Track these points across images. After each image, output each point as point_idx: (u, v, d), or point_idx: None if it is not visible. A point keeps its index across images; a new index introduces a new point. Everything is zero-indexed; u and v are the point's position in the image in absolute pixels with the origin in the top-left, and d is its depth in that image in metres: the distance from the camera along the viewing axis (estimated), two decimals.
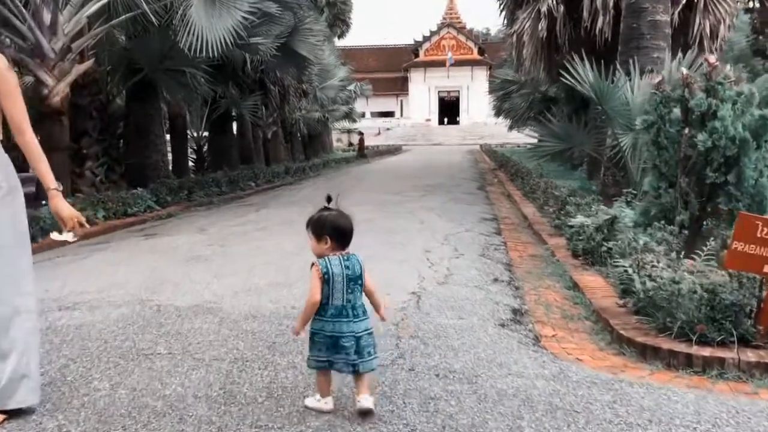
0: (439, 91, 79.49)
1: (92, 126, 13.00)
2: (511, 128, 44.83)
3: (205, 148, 20.59)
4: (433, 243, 8.70)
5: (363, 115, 55.53)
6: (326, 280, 3.22)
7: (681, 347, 4.39)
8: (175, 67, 13.94)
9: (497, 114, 41.16)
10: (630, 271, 5.24)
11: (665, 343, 4.48)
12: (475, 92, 77.19)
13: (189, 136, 19.61)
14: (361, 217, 11.78)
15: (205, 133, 20.93)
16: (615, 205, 9.37)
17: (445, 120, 78.79)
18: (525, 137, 52.10)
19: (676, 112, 6.90)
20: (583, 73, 9.84)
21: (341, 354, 3.22)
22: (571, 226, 8.09)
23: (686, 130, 6.69)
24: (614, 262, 6.35)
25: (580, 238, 7.43)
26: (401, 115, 79.58)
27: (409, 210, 12.36)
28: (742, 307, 4.42)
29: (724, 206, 6.66)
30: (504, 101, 30.52)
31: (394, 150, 50.35)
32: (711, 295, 4.50)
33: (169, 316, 5.15)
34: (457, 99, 79.61)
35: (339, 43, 52.73)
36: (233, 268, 7.01)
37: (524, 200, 13.89)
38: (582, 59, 10.01)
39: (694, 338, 4.41)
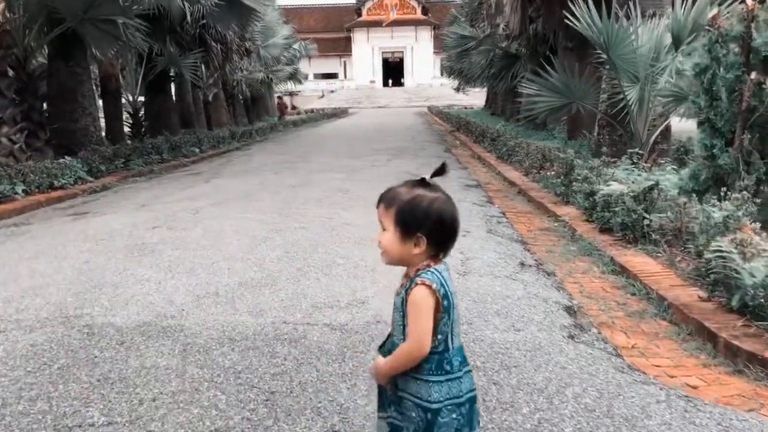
0: (383, 52, 77.36)
1: (6, 85, 11.02)
2: (459, 89, 43.73)
3: (142, 111, 18.54)
4: None
5: (306, 77, 53.28)
6: (446, 308, 1.82)
7: None
8: (104, 17, 11.95)
9: (449, 74, 39.70)
10: (732, 256, 3.95)
11: None
12: (420, 53, 75.57)
13: (123, 99, 17.52)
14: (334, 186, 10.38)
15: (141, 97, 18.85)
16: (621, 168, 8.20)
17: (390, 82, 76.92)
18: (473, 99, 51.22)
19: (734, 53, 5.65)
20: (588, 17, 8.50)
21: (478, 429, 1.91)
22: (591, 195, 6.82)
23: (751, 75, 5.45)
24: (683, 241, 5.12)
25: (614, 209, 6.15)
26: (345, 77, 77.23)
27: (383, 177, 10.91)
28: None
29: None
30: (460, 60, 29.01)
31: (340, 113, 48.52)
32: None
33: (107, 343, 3.60)
34: (402, 60, 77.67)
35: (279, 0, 50.23)
36: (190, 261, 5.46)
37: (501, 163, 12.67)
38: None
39: None
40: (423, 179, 1.85)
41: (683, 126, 10.29)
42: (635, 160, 8.72)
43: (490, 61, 23.65)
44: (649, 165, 8.74)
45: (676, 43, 8.57)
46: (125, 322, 3.93)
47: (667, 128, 9.88)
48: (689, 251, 5.14)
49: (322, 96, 67.95)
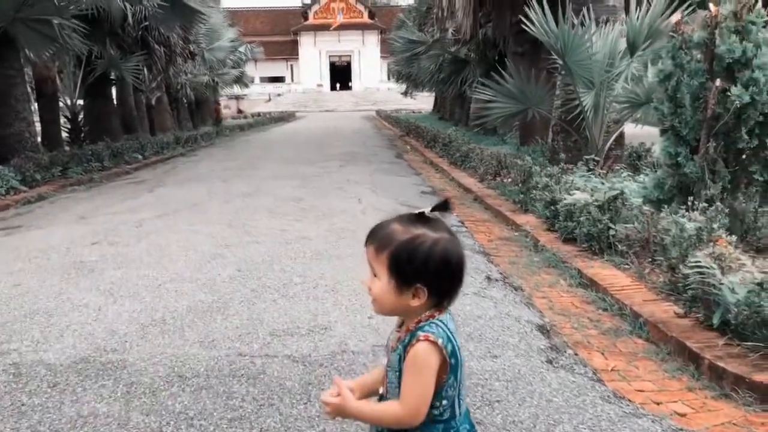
0: (330, 56, 76.87)
1: None
2: (407, 93, 43.66)
3: (81, 116, 17.70)
4: None
5: (252, 80, 52.42)
6: (453, 367, 1.51)
7: None
8: (37, 17, 11.29)
9: (398, 78, 39.59)
10: (712, 271, 3.78)
11: None
12: (367, 57, 75.40)
13: (61, 103, 16.69)
14: (286, 194, 9.91)
15: (80, 101, 18.01)
16: (579, 174, 8.10)
17: (338, 85, 76.48)
18: (420, 103, 51.29)
19: (696, 60, 5.55)
20: (544, 22, 8.37)
21: None
22: (553, 204, 6.66)
23: (716, 83, 5.35)
24: (652, 253, 4.96)
25: (577, 219, 5.99)
26: (292, 80, 76.38)
27: (336, 184, 10.59)
28: None
29: (759, 176, 5.42)
30: (409, 64, 28.86)
31: (288, 117, 47.84)
32: None
33: (37, 386, 3.18)
34: (349, 64, 77.32)
35: (224, 3, 49.27)
36: (134, 283, 5.03)
37: (455, 169, 12.52)
38: (529, 6, 8.54)
39: None
40: (422, 213, 1.52)
41: (635, 132, 10.31)
42: (591, 167, 8.64)
43: (439, 65, 23.57)
44: (604, 171, 8.67)
45: (632, 48, 8.52)
46: (59, 359, 3.50)
47: (621, 134, 9.86)
48: (659, 263, 5.00)
49: (269, 100, 66.99)
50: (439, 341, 1.47)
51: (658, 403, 3.17)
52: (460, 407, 1.54)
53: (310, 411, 2.84)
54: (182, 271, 5.35)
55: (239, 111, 52.79)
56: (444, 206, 1.55)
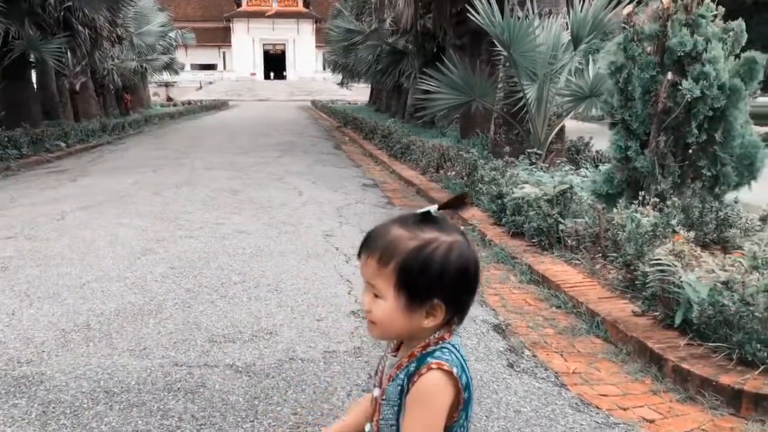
0: (264, 44, 75.35)
1: None
2: (343, 84, 43.19)
3: None
4: (329, 222, 6.72)
5: (183, 67, 50.84)
6: (466, 403, 1.24)
7: None
8: None
9: (334, 69, 39.05)
10: (674, 269, 3.66)
11: None
12: (302, 46, 74.37)
13: None
14: (222, 186, 9.46)
15: None
16: (522, 168, 8.00)
17: (272, 75, 75.14)
18: (356, 94, 51.02)
19: (647, 52, 5.48)
20: (489, 13, 8.21)
21: None
22: (499, 197, 6.51)
23: (668, 76, 5.28)
24: (603, 248, 4.84)
25: (526, 213, 5.85)
26: (224, 68, 74.53)
27: (275, 175, 10.20)
28: None
29: (707, 171, 5.40)
30: (345, 54, 28.42)
31: (220, 105, 46.65)
32: None
33: None
34: (283, 53, 76.02)
35: None
36: (54, 283, 4.57)
37: (395, 161, 12.31)
38: None
39: None
40: (428, 213, 1.26)
41: (572, 126, 10.34)
42: (534, 161, 8.58)
43: (377, 56, 23.24)
44: (546, 165, 8.63)
45: (575, 41, 8.48)
46: None
47: (562, 128, 9.85)
48: (612, 260, 4.90)
49: (200, 87, 65.21)
50: (454, 370, 1.20)
51: (624, 409, 3.02)
52: None
53: (258, 430, 2.53)
54: (109, 269, 4.91)
55: (169, 98, 51.23)
56: (460, 202, 1.30)
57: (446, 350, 1.23)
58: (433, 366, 1.19)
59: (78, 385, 2.94)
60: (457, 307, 1.24)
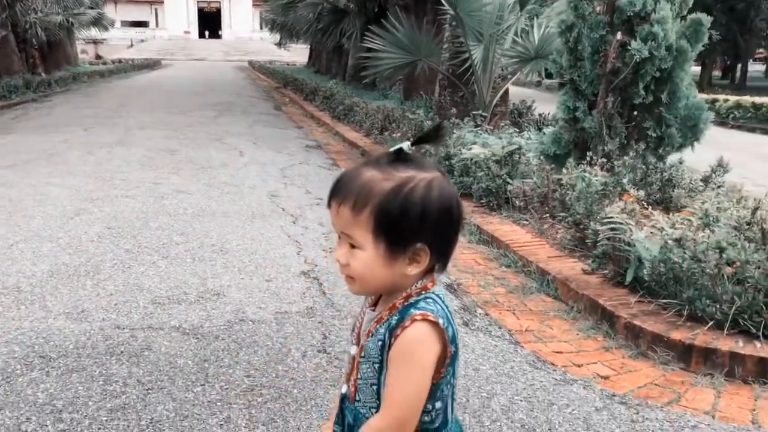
0: (198, 2, 72.82)
1: None
2: (281, 44, 42.15)
3: None
4: (273, 183, 6.52)
5: (112, 23, 48.59)
6: (453, 357, 1.13)
7: (751, 349, 2.97)
8: None
9: (272, 28, 38.02)
10: (626, 228, 3.67)
11: (722, 342, 3.04)
12: (239, 4, 72.17)
13: None
14: (158, 145, 9.01)
15: None
16: (469, 129, 7.96)
17: (207, 33, 72.79)
18: (295, 55, 50.03)
19: (597, 12, 5.46)
20: None
21: None
22: (447, 158, 6.46)
23: (617, 36, 5.28)
24: (551, 208, 4.85)
25: (474, 174, 5.81)
26: (156, 25, 71.73)
27: (214, 135, 9.85)
28: None
29: (653, 132, 5.46)
30: (284, 13, 27.65)
31: (153, 64, 44.89)
32: None
33: None
34: (219, 10, 73.59)
35: None
36: None
37: (338, 123, 12.12)
38: None
39: (761, 331, 3.05)
40: (401, 150, 1.12)
41: (512, 91, 10.35)
42: (479, 123, 8.55)
43: (317, 15, 22.70)
44: (491, 127, 8.62)
45: (522, 2, 8.41)
46: None
47: (506, 91, 9.84)
48: (559, 219, 4.91)
49: (131, 45, 62.59)
50: (440, 321, 1.09)
51: (579, 366, 3.03)
52: (453, 411, 1.19)
53: (210, 394, 2.40)
54: (39, 229, 4.62)
55: (98, 56, 49.02)
56: (435, 134, 1.16)
57: (430, 300, 1.12)
58: (418, 317, 1.08)
59: (9, 350, 2.72)
60: (442, 250, 1.13)
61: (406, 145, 1.12)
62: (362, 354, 1.15)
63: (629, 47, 5.18)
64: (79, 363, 2.62)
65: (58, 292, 3.43)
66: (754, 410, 2.59)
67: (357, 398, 1.17)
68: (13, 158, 7.58)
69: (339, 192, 1.12)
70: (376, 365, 1.13)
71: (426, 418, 1.13)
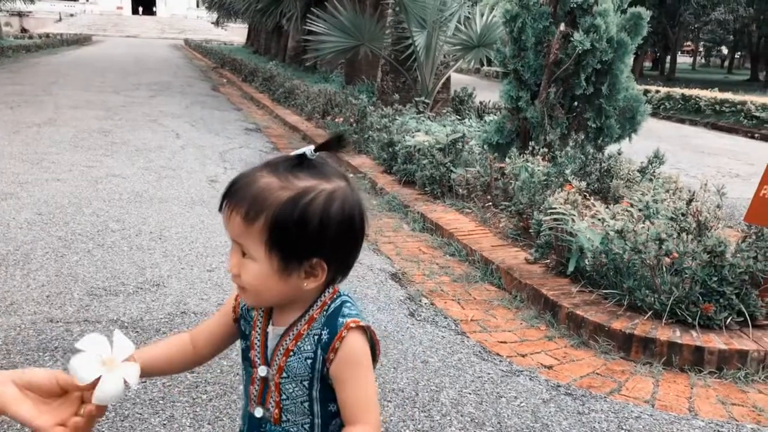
0: None
1: None
2: (218, 23, 41.23)
3: None
4: (212, 167, 6.36)
5: None
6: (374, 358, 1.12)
7: (688, 338, 3.07)
8: None
9: (209, 6, 37.14)
10: (568, 218, 3.73)
11: (661, 332, 3.13)
12: None
13: None
14: (90, 126, 8.69)
15: None
16: (412, 116, 7.96)
17: (140, 10, 70.51)
18: (232, 35, 49.01)
19: (541, 2, 5.50)
20: None
21: None
22: (390, 145, 6.44)
23: (561, 27, 5.34)
24: (493, 197, 4.88)
25: (418, 162, 5.81)
26: (87, 0, 69.06)
27: (148, 117, 9.53)
28: (754, 275, 3.22)
29: (593, 123, 5.56)
30: None
31: (83, 40, 43.13)
32: (715, 259, 3.21)
33: None
34: None
35: None
36: None
37: (278, 106, 11.94)
38: None
39: (697, 321, 3.15)
40: (303, 155, 1.06)
41: (452, 77, 10.38)
42: (421, 109, 8.57)
43: None
44: (433, 114, 8.65)
45: None
46: None
47: (448, 78, 9.88)
48: (502, 208, 4.97)
49: (60, 20, 60.05)
50: (371, 325, 1.07)
51: (523, 356, 3.06)
52: None
53: (151, 392, 2.31)
54: None
55: (23, 30, 46.78)
56: (336, 143, 1.08)
57: (349, 304, 1.09)
58: (352, 325, 1.05)
59: None
60: (341, 263, 1.08)
61: (309, 150, 1.05)
62: (282, 374, 1.09)
63: (572, 39, 5.25)
64: (9, 360, 2.48)
65: None
66: (690, 398, 2.67)
67: (284, 418, 1.10)
68: None
69: (232, 196, 1.04)
70: (305, 383, 1.08)
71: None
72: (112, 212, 4.62)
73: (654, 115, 15.10)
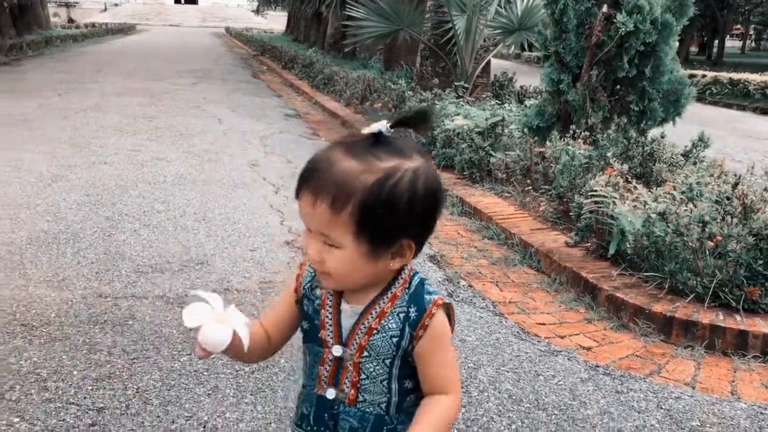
0: None
1: None
2: (258, 11, 41.51)
3: None
4: (253, 152, 6.45)
5: None
6: None
7: (731, 322, 3.02)
8: None
9: None
10: (610, 201, 3.69)
11: (703, 315, 3.08)
12: None
13: None
14: (135, 112, 8.85)
15: None
16: (450, 101, 7.93)
17: None
18: (272, 23, 49.35)
19: None
20: None
21: None
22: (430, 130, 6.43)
23: (603, 9, 5.25)
24: (533, 181, 4.86)
25: (457, 146, 5.80)
26: None
27: (191, 103, 9.69)
28: None
29: (635, 106, 5.47)
30: None
31: (128, 29, 43.88)
32: (761, 242, 3.15)
33: None
34: None
35: None
36: None
37: (317, 92, 12.00)
38: None
39: (741, 305, 3.09)
40: (379, 133, 1.00)
41: (494, 61, 10.31)
42: (461, 94, 8.52)
43: None
44: (473, 99, 8.59)
45: None
46: None
47: (488, 62, 9.80)
48: (542, 191, 4.93)
49: (105, 9, 61.19)
50: (451, 302, 1.10)
51: (562, 337, 3.06)
52: None
53: (197, 364, 2.38)
54: (16, 196, 4.52)
55: (70, 20, 47.81)
56: (418, 120, 1.04)
57: (425, 280, 1.10)
58: (439, 302, 1.07)
59: None
60: (424, 240, 1.07)
61: (384, 127, 1.00)
62: (363, 353, 1.08)
63: (615, 20, 5.17)
64: (62, 332, 2.59)
65: (38, 259, 3.37)
66: (733, 381, 2.64)
67: (360, 399, 1.10)
68: None
69: (312, 185, 1.00)
70: (387, 360, 1.08)
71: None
72: (157, 194, 4.74)
73: (700, 99, 14.73)
